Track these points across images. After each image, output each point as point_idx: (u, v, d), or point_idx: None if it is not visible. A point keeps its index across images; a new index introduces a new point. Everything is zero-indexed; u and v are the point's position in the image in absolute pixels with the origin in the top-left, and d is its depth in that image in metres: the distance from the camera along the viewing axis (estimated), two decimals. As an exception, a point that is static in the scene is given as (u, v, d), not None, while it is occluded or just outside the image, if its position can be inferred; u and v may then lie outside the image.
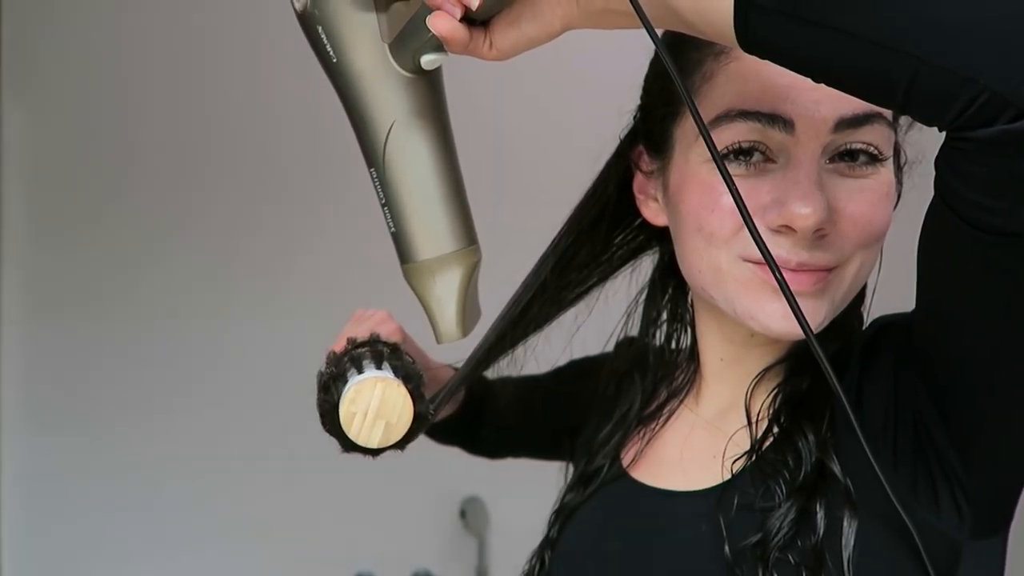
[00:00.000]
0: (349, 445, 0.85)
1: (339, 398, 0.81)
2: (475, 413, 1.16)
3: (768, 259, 0.65)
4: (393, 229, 0.73)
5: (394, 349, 0.84)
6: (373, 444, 0.82)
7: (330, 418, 0.83)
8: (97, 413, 2.13)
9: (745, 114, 0.78)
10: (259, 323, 2.16)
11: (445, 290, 0.73)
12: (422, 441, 1.23)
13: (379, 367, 0.82)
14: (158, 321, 2.15)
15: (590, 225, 0.96)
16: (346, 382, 0.81)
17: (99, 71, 2.16)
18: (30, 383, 2.14)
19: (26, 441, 2.14)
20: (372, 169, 0.72)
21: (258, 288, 2.17)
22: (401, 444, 0.86)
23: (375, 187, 0.72)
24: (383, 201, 0.72)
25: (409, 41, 0.69)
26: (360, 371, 0.81)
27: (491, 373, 1.08)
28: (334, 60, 0.71)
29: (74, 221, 2.15)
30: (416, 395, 0.83)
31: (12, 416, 2.14)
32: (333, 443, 0.87)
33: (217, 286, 2.17)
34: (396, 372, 0.82)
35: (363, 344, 0.84)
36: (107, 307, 2.15)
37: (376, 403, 0.81)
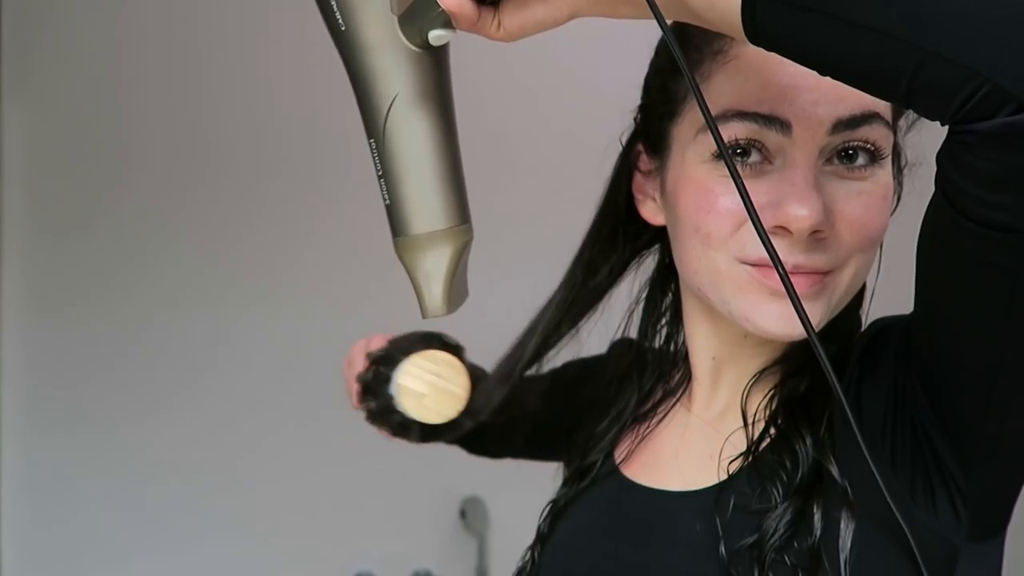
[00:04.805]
0: (394, 422, 0.91)
1: (398, 367, 0.86)
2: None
3: (771, 253, 0.64)
4: (387, 201, 0.73)
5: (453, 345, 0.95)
6: (426, 417, 0.89)
7: (382, 387, 0.89)
8: (97, 412, 2.13)
9: (742, 115, 0.78)
10: (259, 320, 2.16)
11: (434, 266, 0.72)
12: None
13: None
14: (157, 320, 2.15)
15: (610, 232, 0.96)
16: (407, 357, 0.93)
17: (98, 71, 2.16)
18: (30, 383, 2.14)
19: (26, 441, 2.14)
20: (371, 140, 0.72)
21: (258, 285, 2.17)
22: (446, 431, 0.91)
23: (373, 158, 0.72)
24: (380, 173, 0.72)
25: (419, 15, 0.69)
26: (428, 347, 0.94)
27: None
28: (342, 28, 0.71)
29: (74, 220, 2.15)
30: (474, 378, 0.89)
31: (12, 416, 2.14)
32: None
33: (217, 284, 2.16)
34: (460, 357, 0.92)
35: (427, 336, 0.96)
36: (107, 306, 2.14)
37: (438, 373, 0.87)
